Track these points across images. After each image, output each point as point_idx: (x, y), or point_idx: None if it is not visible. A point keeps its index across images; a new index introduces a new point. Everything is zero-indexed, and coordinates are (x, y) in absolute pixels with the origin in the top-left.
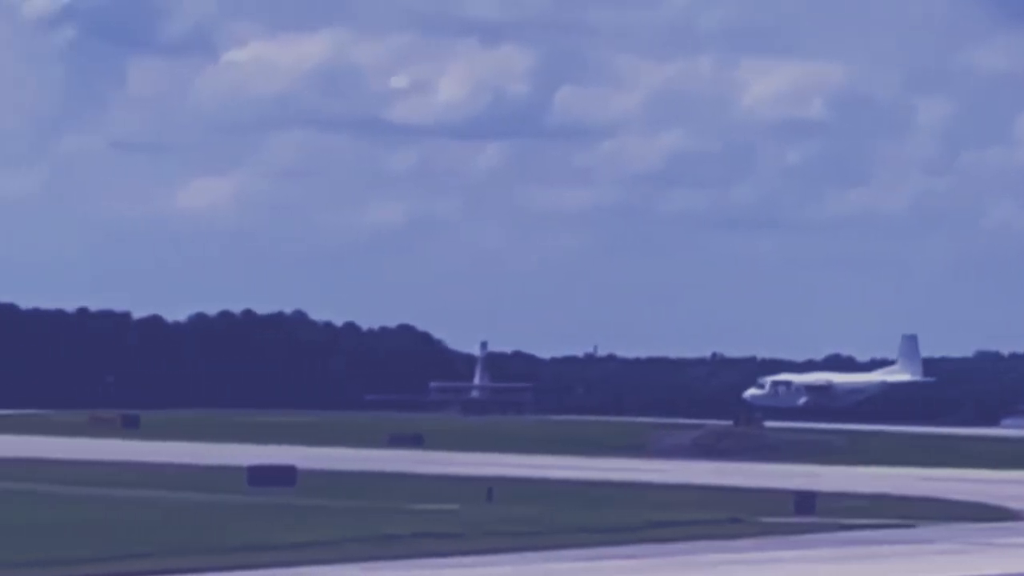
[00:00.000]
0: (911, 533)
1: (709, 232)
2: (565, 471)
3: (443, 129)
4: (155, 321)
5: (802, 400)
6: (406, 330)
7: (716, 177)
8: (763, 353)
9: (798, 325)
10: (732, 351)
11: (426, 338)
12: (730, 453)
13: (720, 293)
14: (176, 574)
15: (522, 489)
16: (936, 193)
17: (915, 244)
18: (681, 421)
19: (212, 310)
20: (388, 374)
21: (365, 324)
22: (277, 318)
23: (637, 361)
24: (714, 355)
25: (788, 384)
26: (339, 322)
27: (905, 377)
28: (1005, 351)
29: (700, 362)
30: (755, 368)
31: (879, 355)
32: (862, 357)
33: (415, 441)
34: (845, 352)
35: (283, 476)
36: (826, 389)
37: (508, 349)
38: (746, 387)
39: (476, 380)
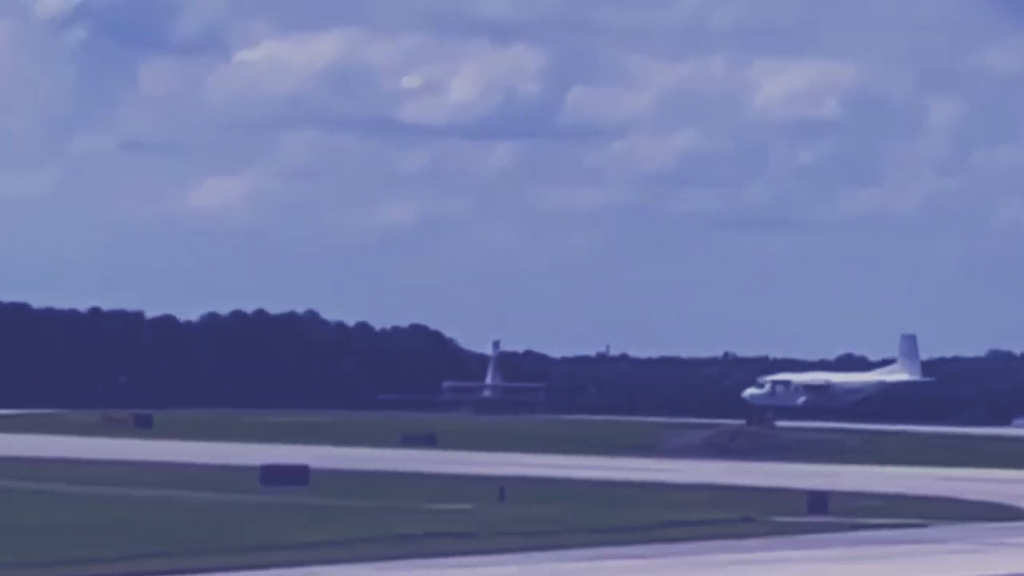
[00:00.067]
0: (924, 533)
1: (721, 232)
2: (577, 471)
3: (455, 129)
4: (167, 321)
5: (801, 400)
6: (418, 330)
7: (728, 177)
8: (775, 353)
9: (810, 325)
10: (744, 351)
11: (438, 338)
12: (742, 453)
13: (732, 293)
14: (189, 574)
15: (534, 489)
16: (948, 193)
17: (927, 244)
18: (693, 421)
19: (224, 310)
20: (400, 374)
21: (377, 324)
22: (289, 318)
23: (649, 361)
24: (726, 355)
25: (787, 384)
26: (351, 322)
27: (904, 377)
28: (1017, 350)
29: (712, 362)
30: (767, 368)
31: (891, 355)
32: (874, 356)
33: (428, 441)
34: (857, 352)
35: (296, 476)
36: (825, 389)
37: (520, 349)
38: None
39: (488, 380)
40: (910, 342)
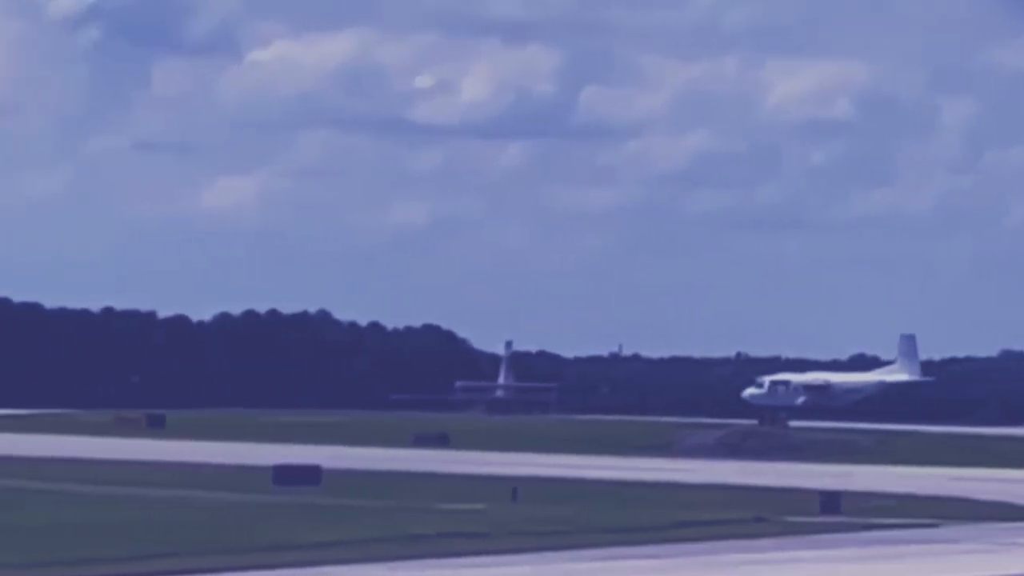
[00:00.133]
0: (936, 533)
1: (734, 232)
2: (590, 471)
3: (467, 129)
4: (180, 321)
5: (800, 399)
6: (431, 330)
7: (741, 177)
8: (788, 353)
9: (822, 325)
10: (757, 351)
11: (451, 338)
12: (755, 453)
13: (745, 293)
14: (201, 574)
15: (547, 489)
16: (960, 192)
17: (939, 243)
18: (706, 421)
19: (237, 310)
20: (413, 374)
21: (390, 324)
22: (302, 318)
23: (662, 361)
24: (739, 355)
25: (787, 384)
26: (364, 322)
27: (903, 377)
28: None
29: (725, 362)
30: (780, 368)
31: None
32: (886, 356)
33: (440, 441)
34: (870, 351)
35: (308, 476)
36: (824, 389)
37: (533, 349)
38: None
39: (501, 380)
40: (909, 342)
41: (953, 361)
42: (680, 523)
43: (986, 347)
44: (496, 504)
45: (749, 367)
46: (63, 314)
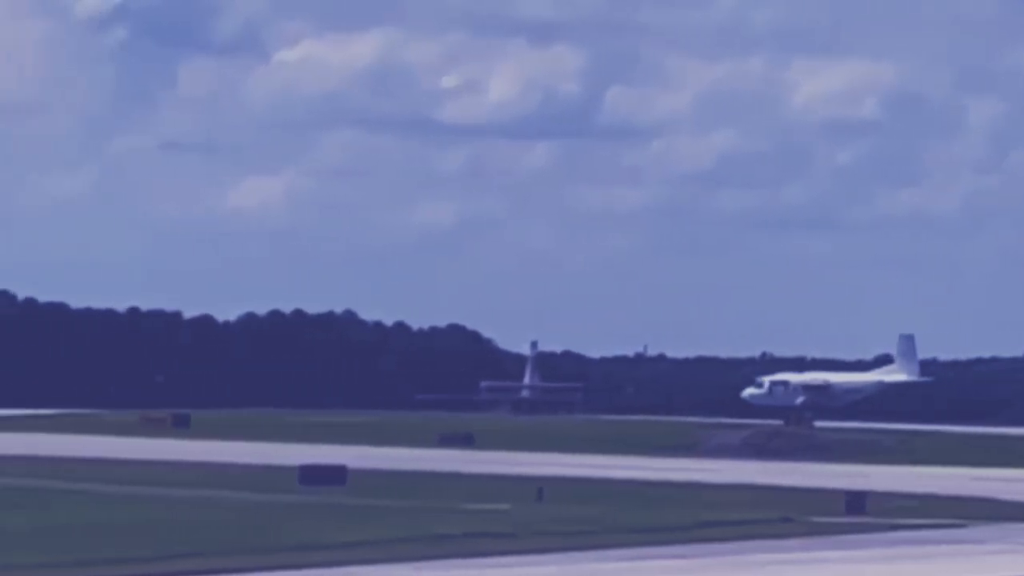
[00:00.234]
0: (962, 533)
1: (759, 232)
2: (615, 471)
3: (493, 129)
4: (206, 321)
5: (800, 400)
6: (456, 330)
7: (766, 177)
8: (813, 353)
9: (847, 325)
10: (782, 351)
11: (476, 338)
12: (780, 453)
13: (770, 293)
14: (227, 573)
15: (573, 489)
16: (986, 192)
17: (966, 243)
18: (731, 421)
19: (262, 310)
20: (438, 374)
21: (415, 324)
22: (327, 318)
23: (687, 361)
24: (764, 355)
25: (786, 384)
26: (389, 322)
27: (902, 377)
28: None
29: (750, 362)
30: (805, 368)
31: (928, 355)
32: None
33: (465, 441)
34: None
35: (334, 475)
36: (824, 389)
37: (558, 349)
38: None
39: (526, 380)
40: (908, 342)
41: (979, 361)
42: (706, 523)
43: (1012, 347)
44: (521, 504)
45: (774, 367)
46: (89, 314)
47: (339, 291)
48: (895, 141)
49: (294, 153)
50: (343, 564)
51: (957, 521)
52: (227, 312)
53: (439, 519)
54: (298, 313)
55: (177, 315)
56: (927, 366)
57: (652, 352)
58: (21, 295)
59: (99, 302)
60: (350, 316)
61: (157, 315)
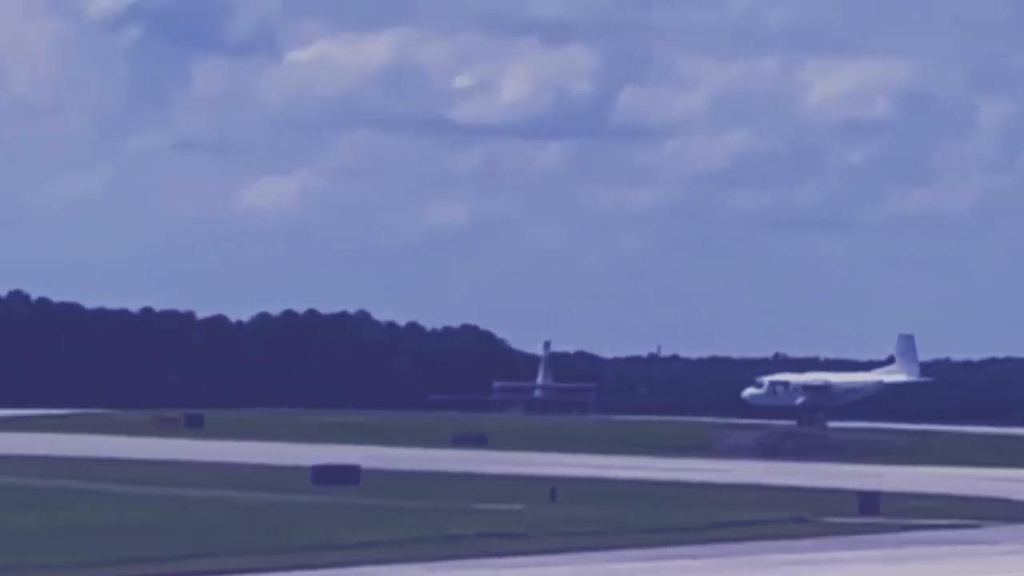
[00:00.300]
0: (976, 534)
1: (772, 232)
2: (628, 471)
3: (506, 129)
4: (219, 321)
5: (800, 400)
6: (469, 330)
7: (779, 177)
8: (826, 353)
9: (860, 325)
10: (795, 351)
11: (489, 338)
12: (793, 453)
13: (783, 293)
14: (240, 574)
15: (585, 489)
16: (998, 192)
17: (978, 243)
18: (744, 421)
19: (275, 310)
20: (451, 374)
21: (428, 324)
22: (340, 318)
23: (700, 361)
24: (777, 355)
25: (786, 384)
26: (402, 322)
27: (902, 377)
28: None
29: (763, 362)
30: (818, 368)
31: (942, 355)
32: (925, 357)
33: (478, 441)
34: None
35: (347, 476)
36: (824, 389)
37: (571, 349)
38: None
39: (539, 380)
40: (908, 342)
41: (992, 361)
42: (719, 524)
43: None
44: (534, 504)
45: (788, 367)
46: (102, 314)
47: (352, 291)
48: (907, 141)
49: (308, 153)
50: (356, 564)
51: (971, 521)
52: (240, 312)
53: (452, 519)
54: (311, 313)
55: (190, 315)
56: (939, 366)
57: (665, 352)
58: (34, 295)
59: (112, 302)
60: (363, 316)
61: (170, 315)
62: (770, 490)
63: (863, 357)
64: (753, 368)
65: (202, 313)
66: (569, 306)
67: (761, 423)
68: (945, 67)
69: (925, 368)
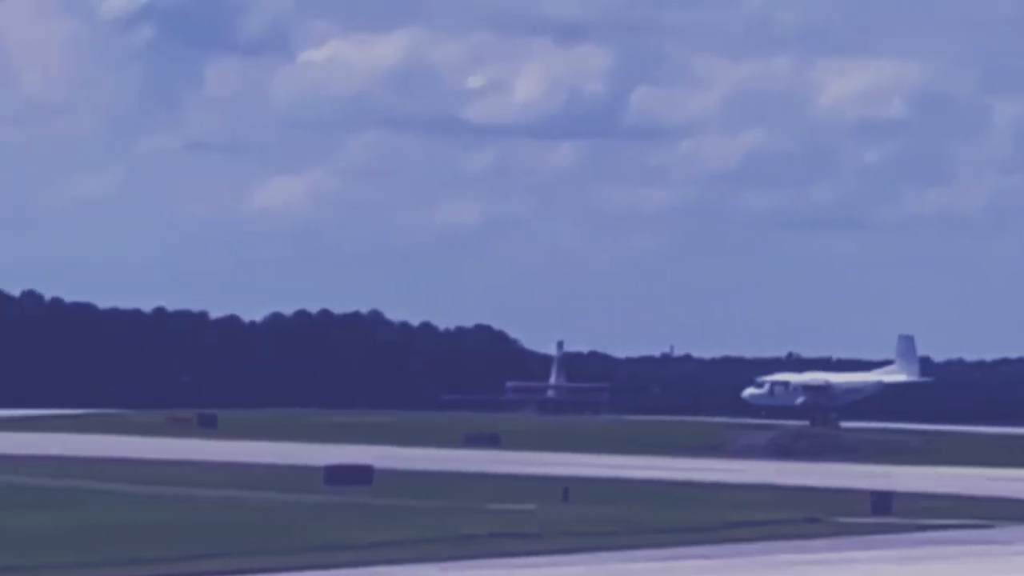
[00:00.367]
0: (989, 534)
1: (786, 232)
2: (641, 471)
3: (519, 129)
4: (232, 321)
5: (799, 400)
6: (482, 330)
7: (793, 177)
8: (840, 353)
9: (874, 325)
10: (808, 351)
11: (502, 338)
12: (806, 453)
13: (797, 293)
14: (253, 574)
15: (598, 489)
16: (1013, 192)
17: (992, 243)
18: (757, 421)
19: (289, 310)
20: (464, 374)
21: (441, 324)
22: (353, 318)
23: (713, 361)
24: (790, 355)
25: (786, 384)
26: (415, 322)
27: (902, 377)
28: None
29: (776, 362)
30: (832, 368)
31: (955, 355)
32: (939, 357)
33: (491, 441)
34: (923, 352)
35: (360, 476)
36: (824, 389)
37: (584, 349)
38: None
39: (552, 380)
40: (907, 342)
41: (1006, 362)
42: (732, 524)
43: None
44: (547, 504)
45: (801, 367)
46: (115, 314)
47: (365, 291)
48: (921, 141)
49: (320, 153)
50: (369, 564)
51: (984, 522)
52: (253, 312)
53: (465, 519)
54: (324, 313)
55: (203, 315)
56: (953, 366)
57: (678, 352)
58: (48, 295)
59: (125, 302)
60: (376, 316)
61: (183, 315)
62: (783, 490)
63: (877, 357)
64: (766, 368)
65: (215, 313)
66: (582, 306)
67: (774, 423)
68: (959, 67)
69: (940, 368)
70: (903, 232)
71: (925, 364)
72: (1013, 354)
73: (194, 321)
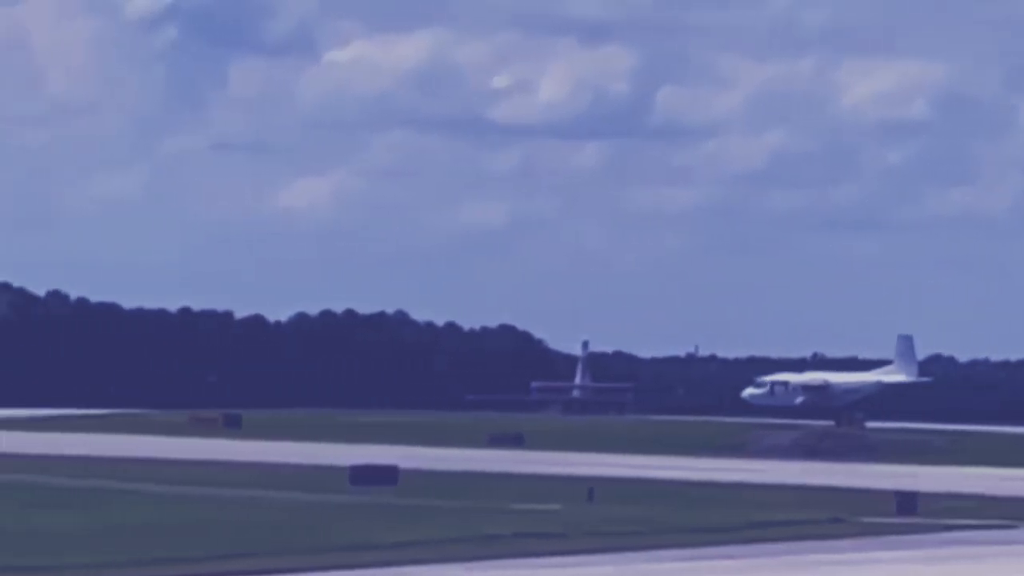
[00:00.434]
0: (1014, 534)
1: (810, 232)
2: (666, 471)
3: (544, 129)
4: (257, 321)
5: (799, 400)
6: (507, 330)
7: (817, 177)
8: (864, 353)
9: (898, 326)
10: (832, 351)
11: (527, 338)
12: (831, 453)
13: (821, 293)
14: (278, 574)
15: (623, 489)
16: None
17: (1016, 243)
18: (782, 421)
19: (314, 310)
20: (489, 374)
21: (466, 324)
22: (378, 318)
23: (738, 361)
24: (815, 355)
25: (786, 384)
26: (440, 322)
27: (901, 378)
28: None
29: (801, 362)
30: (856, 368)
31: (980, 355)
32: (963, 357)
33: (516, 441)
34: (946, 352)
35: (385, 476)
36: (823, 389)
37: (609, 349)
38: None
39: (577, 380)
40: (906, 342)
41: None
42: (756, 524)
43: None
44: (572, 504)
45: (826, 367)
46: (140, 314)
47: (390, 291)
48: (944, 141)
49: (345, 153)
50: (394, 564)
51: (1009, 522)
52: (278, 312)
53: (489, 519)
54: (349, 313)
55: (229, 315)
56: (977, 366)
57: (703, 352)
58: (73, 295)
59: (151, 302)
60: (401, 316)
61: (209, 315)
62: (807, 490)
63: None
64: (791, 368)
65: (240, 313)
66: (607, 306)
67: (799, 423)
68: (982, 67)
69: (965, 368)
70: (927, 232)
71: (950, 364)
72: None
73: (219, 321)
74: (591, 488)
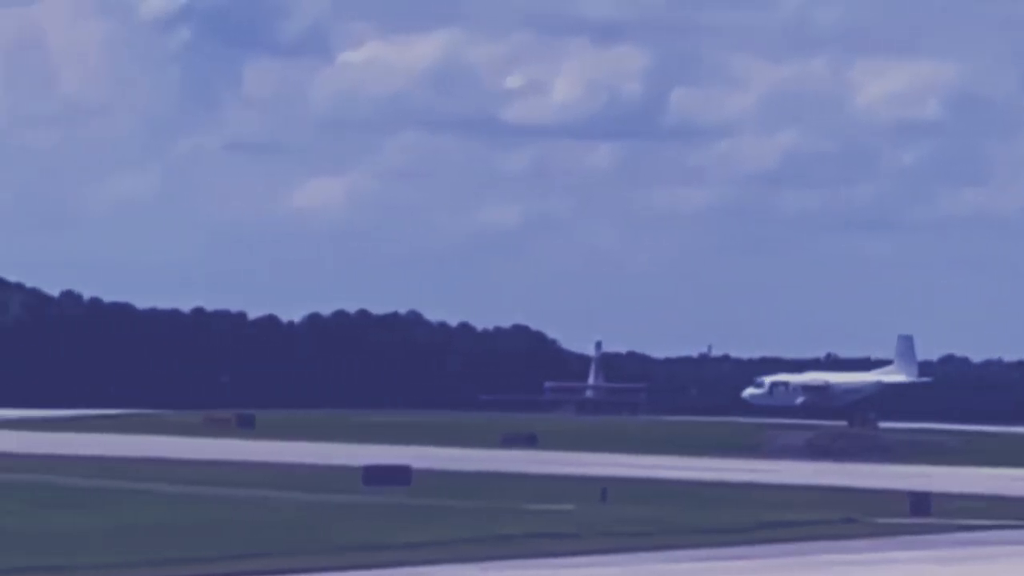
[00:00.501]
0: None
1: (823, 232)
2: (679, 471)
3: (557, 129)
4: (270, 321)
5: (799, 400)
6: (520, 330)
7: (831, 177)
8: (877, 354)
9: (911, 326)
10: (846, 352)
11: (540, 338)
12: (844, 454)
13: (834, 293)
14: (291, 573)
15: (636, 489)
16: None
17: None
18: (795, 422)
19: (327, 310)
20: (502, 374)
21: (480, 324)
22: (392, 318)
23: (751, 361)
24: (828, 356)
25: (786, 384)
26: (454, 322)
27: (901, 378)
28: None
29: (814, 363)
30: (869, 368)
31: (995, 355)
32: (977, 358)
33: (529, 441)
34: (959, 353)
35: (398, 476)
36: (823, 389)
37: (622, 349)
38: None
39: (590, 380)
40: (906, 342)
41: None
42: (769, 524)
43: None
44: (585, 505)
45: (839, 368)
46: (154, 314)
47: (404, 292)
48: (958, 142)
49: (358, 154)
50: (407, 564)
51: (1023, 522)
52: (292, 312)
53: (503, 520)
54: (362, 313)
55: (242, 315)
56: (991, 367)
57: (716, 352)
58: (87, 295)
59: (164, 302)
60: (414, 317)
61: (222, 315)
62: (820, 491)
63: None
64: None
65: (253, 313)
66: (620, 306)
67: (812, 424)
68: (996, 68)
69: (979, 368)
70: (940, 233)
71: (963, 364)
72: None
73: (232, 321)
74: (604, 488)
